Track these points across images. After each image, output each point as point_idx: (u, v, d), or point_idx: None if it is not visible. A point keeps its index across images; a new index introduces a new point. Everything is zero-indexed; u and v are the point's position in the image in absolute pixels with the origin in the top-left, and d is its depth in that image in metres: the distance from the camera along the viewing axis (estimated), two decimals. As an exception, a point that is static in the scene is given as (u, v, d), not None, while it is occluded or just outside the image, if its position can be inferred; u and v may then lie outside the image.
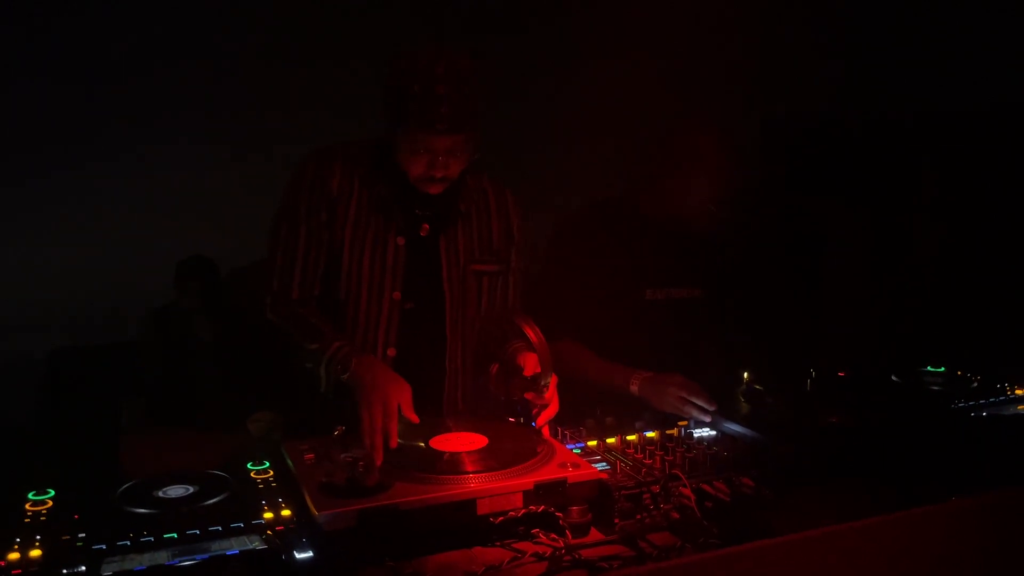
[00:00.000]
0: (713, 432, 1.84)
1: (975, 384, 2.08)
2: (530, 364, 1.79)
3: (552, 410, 1.73)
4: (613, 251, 2.25)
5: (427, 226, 1.93)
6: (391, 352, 1.91)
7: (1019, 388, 2.01)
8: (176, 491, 1.40)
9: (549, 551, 1.32)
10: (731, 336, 2.41)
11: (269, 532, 1.26)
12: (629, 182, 2.36)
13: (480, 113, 1.80)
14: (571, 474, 1.43)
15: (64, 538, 1.23)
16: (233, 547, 1.21)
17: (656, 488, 1.45)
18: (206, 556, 1.18)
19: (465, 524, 1.36)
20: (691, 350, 2.30)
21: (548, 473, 1.43)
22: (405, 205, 1.90)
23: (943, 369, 2.19)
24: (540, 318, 2.18)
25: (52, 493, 1.38)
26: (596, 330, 2.22)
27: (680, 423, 1.84)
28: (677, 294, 2.32)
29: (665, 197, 2.24)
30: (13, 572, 1.14)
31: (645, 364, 2.08)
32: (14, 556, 1.16)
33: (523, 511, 1.39)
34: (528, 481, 1.40)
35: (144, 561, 1.17)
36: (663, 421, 1.85)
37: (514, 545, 1.36)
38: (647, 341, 2.22)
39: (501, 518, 1.37)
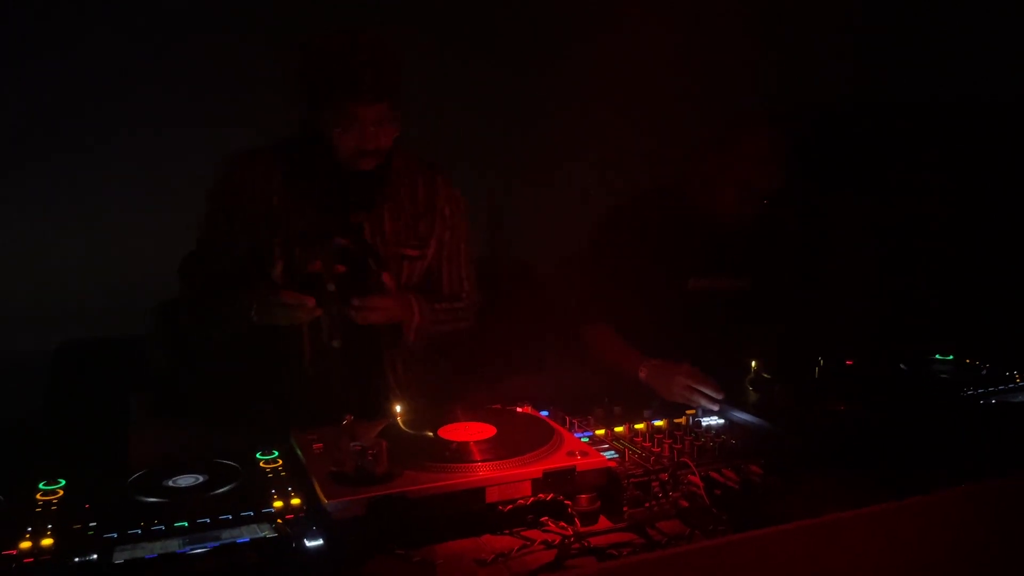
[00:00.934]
0: (721, 420, 1.84)
1: (984, 371, 2.07)
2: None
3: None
4: (659, 239, 2.28)
5: (356, 213, 1.95)
6: (337, 344, 1.93)
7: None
8: (186, 480, 1.41)
9: (558, 539, 1.33)
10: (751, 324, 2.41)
11: (279, 520, 1.26)
12: (680, 174, 2.37)
13: (402, 84, 1.83)
14: (580, 462, 1.43)
15: (76, 527, 1.23)
16: (244, 535, 1.21)
17: (665, 476, 1.45)
18: (217, 544, 1.18)
19: (474, 512, 1.36)
20: (733, 340, 2.30)
21: (557, 461, 1.43)
22: (332, 194, 1.92)
23: (951, 357, 2.19)
24: (578, 300, 2.22)
25: (63, 483, 1.38)
26: (637, 316, 2.23)
27: (688, 411, 1.84)
28: (721, 284, 2.33)
29: (718, 192, 2.25)
30: (25, 560, 1.14)
31: (684, 352, 2.08)
32: (26, 545, 1.17)
33: (532, 499, 1.39)
34: (537, 469, 1.40)
35: (155, 549, 1.17)
36: (672, 409, 1.85)
37: (523, 533, 1.37)
38: (688, 329, 2.23)
39: (510, 506, 1.38)
